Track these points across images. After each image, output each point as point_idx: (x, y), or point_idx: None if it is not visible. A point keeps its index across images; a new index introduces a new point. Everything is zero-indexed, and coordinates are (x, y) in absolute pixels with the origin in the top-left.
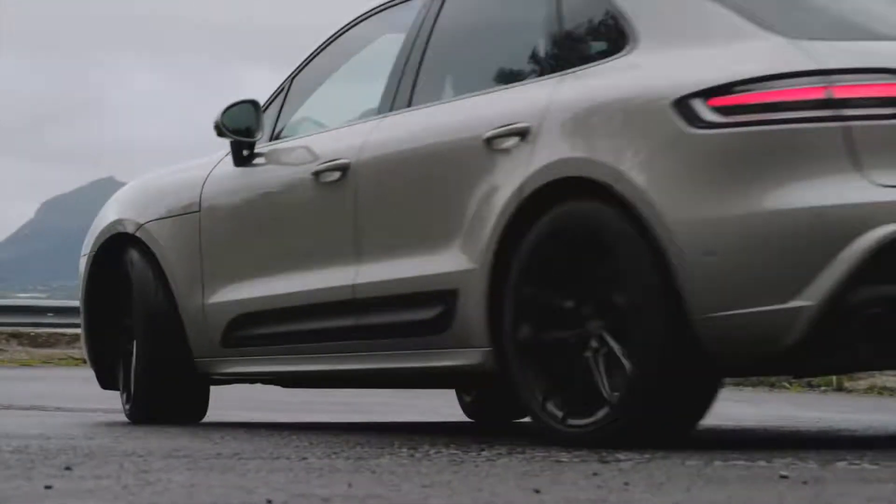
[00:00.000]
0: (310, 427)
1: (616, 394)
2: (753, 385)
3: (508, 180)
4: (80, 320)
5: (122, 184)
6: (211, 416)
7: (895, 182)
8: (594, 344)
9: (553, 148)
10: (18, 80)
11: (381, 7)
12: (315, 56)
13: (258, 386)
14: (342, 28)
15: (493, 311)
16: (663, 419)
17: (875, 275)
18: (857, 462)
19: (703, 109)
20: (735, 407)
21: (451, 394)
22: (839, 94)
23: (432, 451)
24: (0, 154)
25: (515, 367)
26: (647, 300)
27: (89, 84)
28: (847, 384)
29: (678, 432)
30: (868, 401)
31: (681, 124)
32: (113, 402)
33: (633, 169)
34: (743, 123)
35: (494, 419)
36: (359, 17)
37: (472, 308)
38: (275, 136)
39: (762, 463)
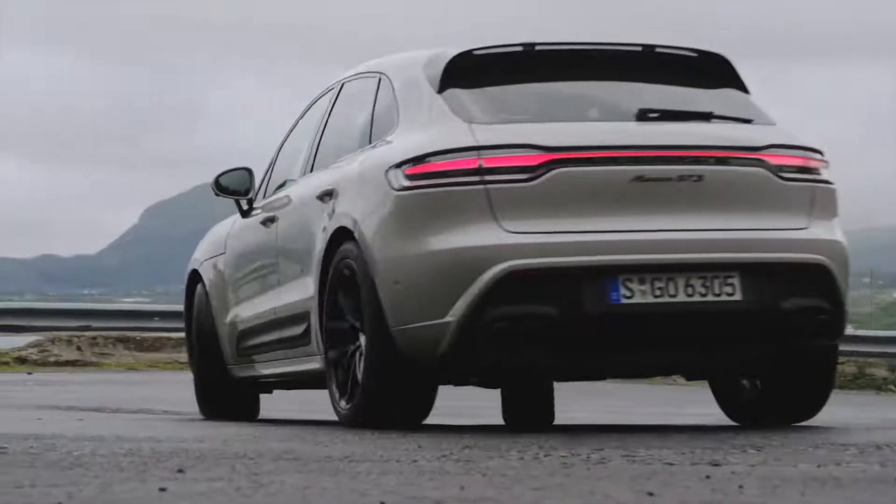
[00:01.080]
0: (416, 429)
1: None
2: (860, 388)
3: (321, 228)
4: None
5: None
6: (312, 417)
7: (519, 229)
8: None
9: (340, 204)
10: (118, 87)
11: (320, 94)
12: (291, 130)
13: None
14: (307, 106)
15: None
16: (386, 409)
17: (499, 298)
18: None
19: (400, 176)
20: (841, 411)
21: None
22: (487, 164)
23: (541, 454)
24: (102, 161)
25: (327, 370)
26: (370, 317)
27: (187, 89)
28: None
29: (406, 422)
30: None
31: (388, 187)
32: None
33: (364, 219)
34: (422, 186)
35: (529, 422)
36: (315, 98)
37: (315, 326)
38: (266, 195)
39: (877, 467)
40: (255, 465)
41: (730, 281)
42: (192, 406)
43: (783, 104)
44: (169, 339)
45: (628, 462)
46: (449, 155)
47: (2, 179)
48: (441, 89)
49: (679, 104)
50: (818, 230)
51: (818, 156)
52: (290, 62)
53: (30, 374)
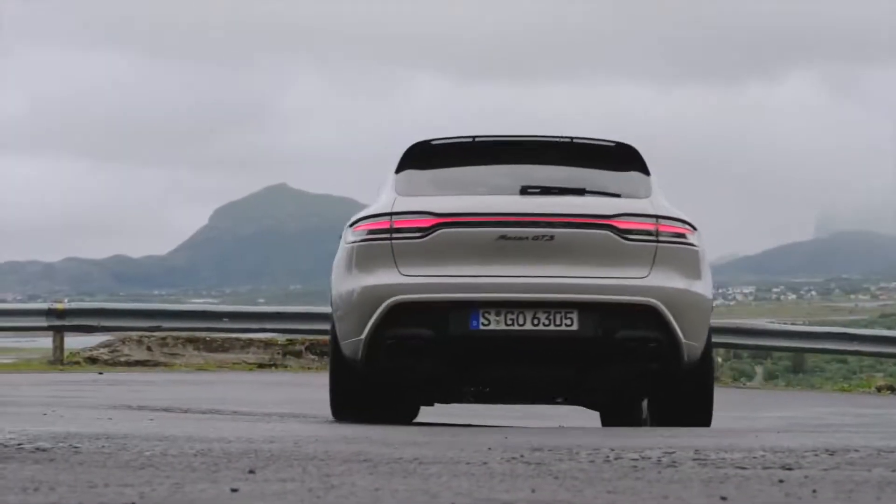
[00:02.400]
0: (482, 430)
1: None
2: None
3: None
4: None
5: (295, 190)
6: (381, 422)
7: (411, 273)
8: None
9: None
10: (187, 87)
11: None
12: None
13: None
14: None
15: None
16: (337, 396)
17: (390, 323)
18: None
19: (349, 232)
20: None
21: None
22: (396, 225)
23: (612, 457)
24: (174, 161)
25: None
26: (331, 335)
27: (256, 89)
28: None
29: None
30: None
31: (344, 240)
32: (290, 407)
33: (335, 263)
34: (356, 241)
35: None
36: None
37: None
38: None
39: None
40: (326, 466)
41: (569, 315)
42: (261, 407)
43: (861, 105)
44: (238, 339)
45: (700, 466)
46: (373, 218)
47: (75, 181)
48: (398, 170)
49: (574, 183)
50: (657, 279)
51: (677, 224)
52: (359, 62)
53: (101, 373)
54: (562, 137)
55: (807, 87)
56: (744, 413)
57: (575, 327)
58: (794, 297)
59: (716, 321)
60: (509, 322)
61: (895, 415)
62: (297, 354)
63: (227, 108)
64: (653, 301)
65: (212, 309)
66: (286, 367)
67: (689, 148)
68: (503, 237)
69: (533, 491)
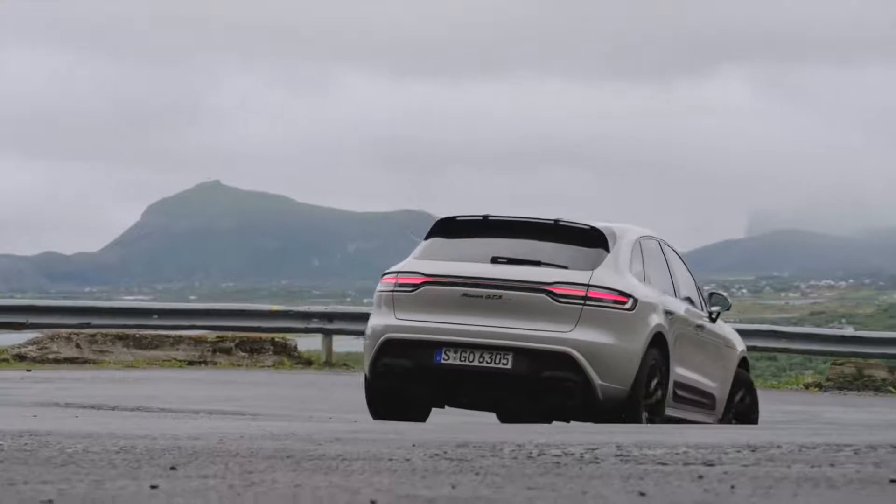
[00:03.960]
0: (409, 428)
1: None
2: (858, 390)
3: None
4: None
5: (229, 187)
6: (309, 419)
7: (402, 318)
8: None
9: None
10: (121, 83)
11: None
12: None
13: (359, 387)
14: None
15: None
16: (369, 402)
17: (383, 353)
18: None
19: (379, 282)
20: (842, 412)
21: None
22: (400, 281)
23: (535, 453)
24: (106, 158)
25: None
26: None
27: (190, 86)
28: None
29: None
30: None
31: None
32: (219, 404)
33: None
34: (379, 290)
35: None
36: None
37: None
38: None
39: (871, 467)
40: (249, 463)
41: (505, 357)
42: (189, 404)
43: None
44: (168, 336)
45: (621, 462)
46: (390, 274)
47: (6, 177)
48: (426, 237)
49: (538, 255)
50: (579, 333)
51: (607, 291)
52: (291, 59)
53: (29, 371)
54: (548, 220)
55: (738, 85)
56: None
57: (509, 366)
58: (725, 294)
59: None
60: (462, 359)
61: (823, 412)
62: (228, 351)
63: (159, 104)
64: (570, 350)
65: (141, 306)
66: (216, 364)
67: (621, 146)
68: (465, 295)
69: (453, 487)
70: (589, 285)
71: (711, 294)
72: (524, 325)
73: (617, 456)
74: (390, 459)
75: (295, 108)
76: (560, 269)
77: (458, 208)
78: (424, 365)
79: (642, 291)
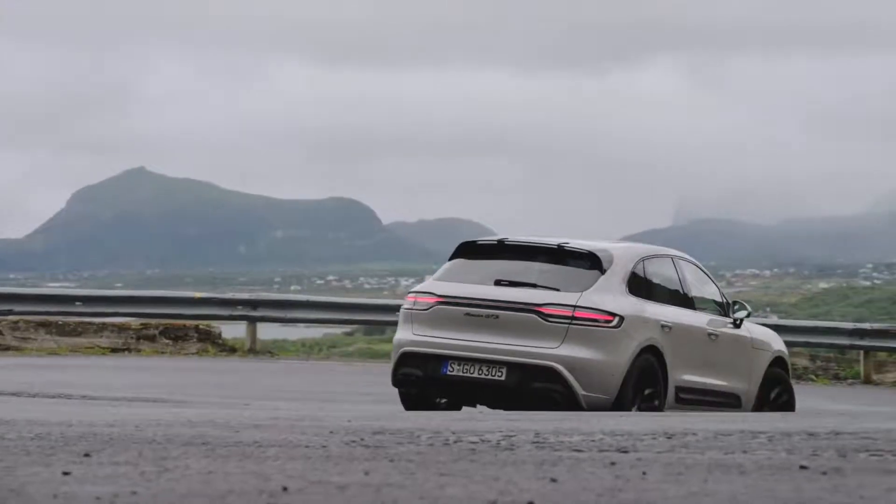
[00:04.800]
0: (331, 415)
1: None
2: None
3: None
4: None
5: (155, 174)
6: (231, 406)
7: (418, 333)
8: None
9: None
10: (48, 70)
11: None
12: None
13: (283, 374)
14: None
15: None
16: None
17: (401, 364)
18: (880, 452)
19: (407, 299)
20: None
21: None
22: (416, 300)
23: (452, 440)
24: (30, 145)
25: None
26: None
27: (116, 73)
28: (875, 377)
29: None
30: (895, 394)
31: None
32: (141, 391)
33: None
34: (403, 308)
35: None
36: None
37: None
38: None
39: (783, 454)
40: (164, 449)
41: (500, 370)
42: (111, 391)
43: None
44: (91, 323)
45: (537, 448)
46: (411, 293)
47: None
48: (450, 259)
49: (536, 278)
50: (565, 350)
51: (593, 312)
52: (221, 47)
53: None
54: (553, 245)
55: (668, 75)
56: None
57: (503, 378)
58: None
59: None
60: (465, 371)
61: None
62: (151, 339)
63: (85, 91)
64: (555, 364)
65: (65, 293)
66: (140, 351)
67: (552, 135)
68: (468, 314)
69: (366, 473)
70: (576, 306)
71: (734, 302)
72: (517, 341)
73: (533, 443)
74: (306, 446)
75: (224, 96)
76: (551, 291)
77: (389, 197)
78: (433, 376)
79: (632, 309)
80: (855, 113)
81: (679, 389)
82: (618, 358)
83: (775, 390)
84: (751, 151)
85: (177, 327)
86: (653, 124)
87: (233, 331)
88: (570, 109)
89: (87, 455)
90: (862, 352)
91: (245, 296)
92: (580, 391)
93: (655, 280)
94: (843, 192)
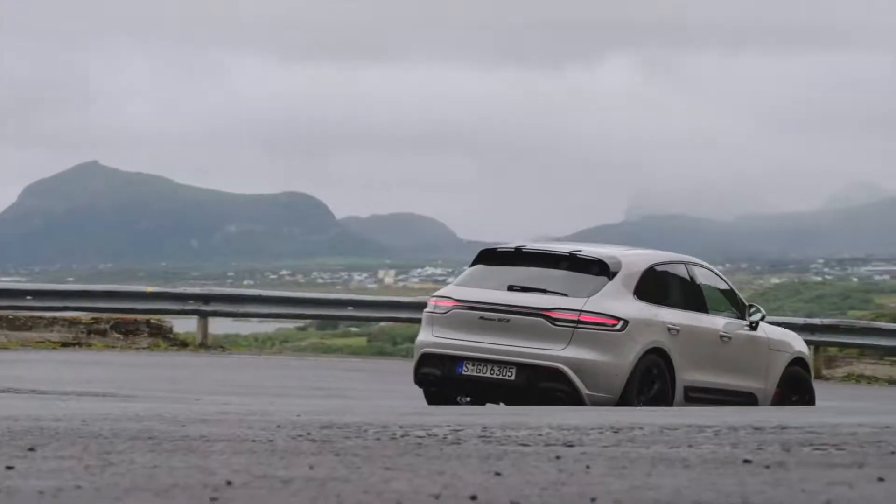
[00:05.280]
0: (280, 410)
1: None
2: None
3: None
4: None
5: (107, 168)
6: (180, 401)
7: (437, 335)
8: None
9: None
10: (2, 64)
11: None
12: None
13: (235, 368)
14: None
15: None
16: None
17: (422, 363)
18: (824, 447)
19: (429, 303)
20: None
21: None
22: (436, 304)
23: (400, 434)
24: None
25: None
26: None
27: (72, 69)
28: (825, 372)
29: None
30: (845, 389)
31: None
32: (90, 386)
33: None
34: (425, 311)
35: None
36: None
37: None
38: None
39: (728, 448)
40: (110, 444)
41: (510, 370)
42: (60, 385)
43: (678, 91)
44: (41, 318)
45: (483, 443)
46: (433, 297)
47: None
48: (471, 265)
49: (547, 283)
50: (570, 352)
51: (598, 316)
52: (178, 43)
53: None
54: (566, 252)
55: (623, 72)
56: None
57: (512, 378)
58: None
59: None
60: (478, 371)
61: None
62: (103, 333)
63: (38, 86)
64: (560, 365)
65: (15, 287)
66: (91, 345)
67: (508, 131)
68: (482, 318)
69: (311, 468)
70: (581, 311)
71: (751, 305)
72: (526, 344)
73: (480, 437)
74: (253, 441)
75: (178, 90)
76: (560, 297)
77: (343, 192)
78: (450, 375)
79: (637, 313)
80: (809, 111)
81: (688, 389)
82: (621, 360)
83: (795, 388)
84: (705, 148)
85: (128, 322)
86: (608, 121)
87: (185, 325)
88: (526, 106)
89: (31, 449)
90: (812, 347)
91: (197, 290)
92: (584, 391)
93: (665, 285)
94: (797, 189)
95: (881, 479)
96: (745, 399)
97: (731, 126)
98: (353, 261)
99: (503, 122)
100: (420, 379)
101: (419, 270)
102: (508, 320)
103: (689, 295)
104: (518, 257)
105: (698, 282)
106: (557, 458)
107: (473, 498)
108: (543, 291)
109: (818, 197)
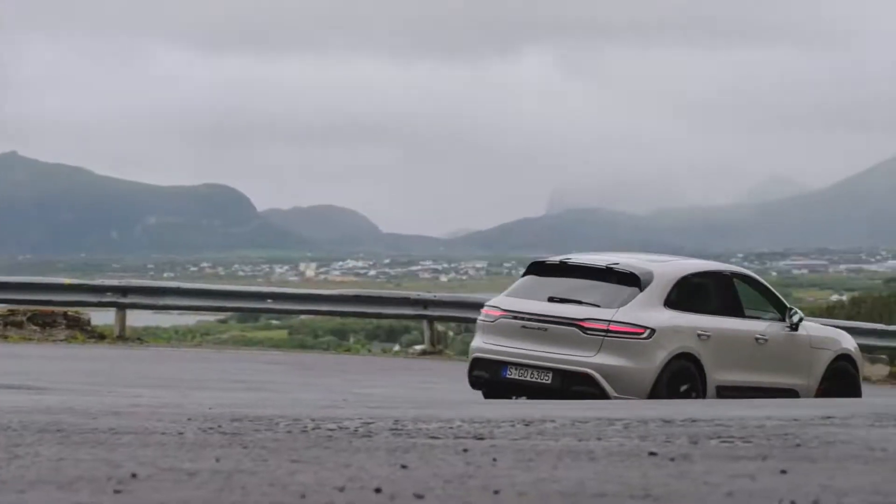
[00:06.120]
0: (194, 402)
1: None
2: None
3: None
4: None
5: (27, 159)
6: (94, 394)
7: (485, 342)
8: None
9: None
10: None
11: None
12: None
13: (153, 361)
14: None
15: None
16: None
17: (473, 367)
18: (731, 439)
19: (482, 312)
20: None
21: (351, 376)
22: (486, 313)
23: (311, 427)
24: None
25: None
26: None
27: None
28: None
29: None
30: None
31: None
32: (1, 378)
33: None
34: (478, 319)
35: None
36: None
37: None
38: None
39: (636, 441)
40: (19, 436)
41: (546, 375)
42: None
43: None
44: None
45: (394, 435)
46: (484, 307)
47: None
48: (523, 275)
49: (583, 295)
50: (599, 358)
51: (626, 325)
52: (99, 32)
53: None
54: (602, 265)
55: (544, 65)
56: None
57: (549, 381)
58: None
59: (448, 295)
60: (519, 375)
61: None
62: (19, 325)
63: None
64: (590, 371)
65: None
66: (7, 337)
67: (429, 124)
68: (523, 326)
69: (217, 460)
70: (610, 321)
71: (790, 308)
72: (561, 350)
73: (391, 430)
74: (163, 433)
75: (99, 80)
76: (592, 307)
77: (264, 184)
78: (496, 378)
79: (664, 322)
80: (727, 105)
81: (721, 388)
82: (648, 364)
83: (839, 383)
84: (625, 142)
85: (45, 314)
86: (528, 114)
87: (103, 318)
88: (447, 98)
89: None
90: None
91: (115, 282)
92: (613, 393)
93: (699, 294)
94: (716, 184)
95: (784, 472)
96: (786, 395)
97: (650, 121)
98: (275, 253)
99: (423, 115)
100: (472, 381)
101: (340, 263)
102: (546, 329)
103: (723, 301)
104: (562, 269)
105: (735, 288)
106: (465, 450)
107: (378, 490)
108: (579, 302)
109: (736, 191)
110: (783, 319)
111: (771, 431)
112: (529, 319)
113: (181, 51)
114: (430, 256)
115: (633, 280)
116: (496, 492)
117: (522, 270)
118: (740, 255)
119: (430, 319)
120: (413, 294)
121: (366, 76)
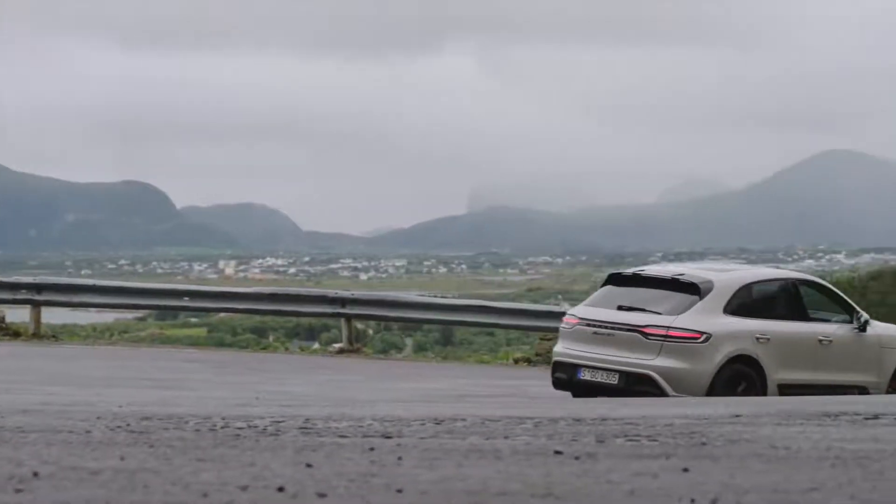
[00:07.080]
0: (105, 401)
1: None
2: None
3: None
4: None
5: None
6: (10, 391)
7: (566, 347)
8: None
9: None
10: None
11: None
12: None
13: (67, 359)
14: None
15: None
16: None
17: (554, 370)
18: (637, 438)
19: (563, 320)
20: (547, 385)
21: (279, 372)
22: (566, 321)
23: (220, 426)
24: None
25: None
26: None
27: None
28: None
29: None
30: None
31: (562, 323)
32: None
33: None
34: (561, 326)
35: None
36: None
37: None
38: None
39: (543, 439)
40: None
41: (614, 376)
42: None
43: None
44: None
45: (302, 434)
46: (566, 315)
47: None
48: (602, 285)
49: (647, 303)
50: (659, 361)
51: (683, 331)
52: (10, 28)
53: None
54: (669, 276)
55: (463, 63)
56: (389, 384)
57: (615, 382)
58: (444, 270)
59: (366, 293)
60: (591, 376)
61: (527, 385)
62: None
63: None
64: (650, 372)
65: None
66: None
67: (346, 121)
68: (594, 333)
69: (122, 459)
70: (669, 327)
71: (856, 310)
72: (625, 354)
73: (300, 429)
74: (70, 432)
75: (15, 76)
76: (654, 315)
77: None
78: (572, 379)
79: (722, 328)
80: (650, 105)
81: (781, 387)
82: (704, 367)
83: None
84: (544, 140)
85: None
86: (445, 112)
87: (18, 315)
88: (363, 96)
89: None
90: None
91: (29, 279)
92: (671, 393)
93: (760, 300)
94: (636, 183)
95: (686, 470)
96: (855, 392)
97: (572, 120)
98: (194, 251)
99: (341, 113)
100: (554, 382)
101: (260, 261)
102: (613, 335)
103: (787, 306)
104: (634, 280)
105: (799, 293)
106: (371, 449)
107: (281, 489)
108: (642, 310)
109: (656, 190)
110: (851, 321)
111: (678, 430)
112: (599, 326)
113: (99, 46)
114: (351, 255)
115: (693, 289)
116: (399, 490)
117: (442, 269)
118: (659, 255)
119: (349, 318)
120: (331, 292)
121: (282, 73)
